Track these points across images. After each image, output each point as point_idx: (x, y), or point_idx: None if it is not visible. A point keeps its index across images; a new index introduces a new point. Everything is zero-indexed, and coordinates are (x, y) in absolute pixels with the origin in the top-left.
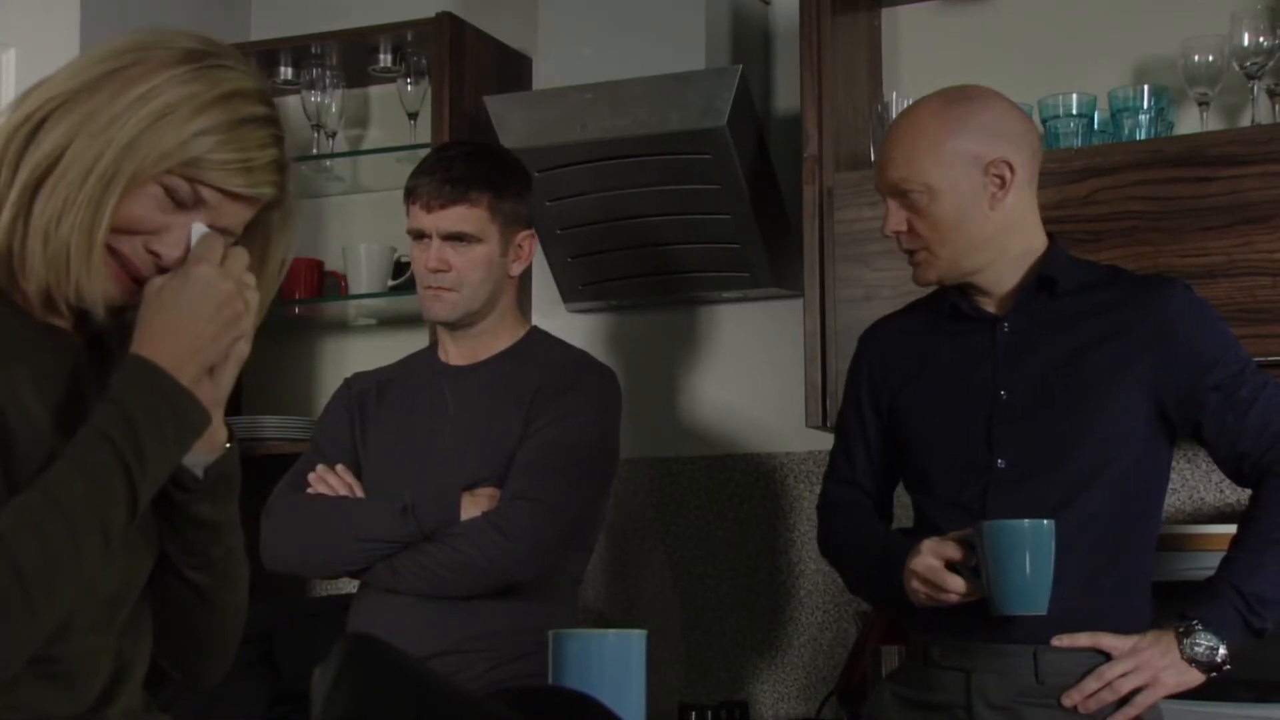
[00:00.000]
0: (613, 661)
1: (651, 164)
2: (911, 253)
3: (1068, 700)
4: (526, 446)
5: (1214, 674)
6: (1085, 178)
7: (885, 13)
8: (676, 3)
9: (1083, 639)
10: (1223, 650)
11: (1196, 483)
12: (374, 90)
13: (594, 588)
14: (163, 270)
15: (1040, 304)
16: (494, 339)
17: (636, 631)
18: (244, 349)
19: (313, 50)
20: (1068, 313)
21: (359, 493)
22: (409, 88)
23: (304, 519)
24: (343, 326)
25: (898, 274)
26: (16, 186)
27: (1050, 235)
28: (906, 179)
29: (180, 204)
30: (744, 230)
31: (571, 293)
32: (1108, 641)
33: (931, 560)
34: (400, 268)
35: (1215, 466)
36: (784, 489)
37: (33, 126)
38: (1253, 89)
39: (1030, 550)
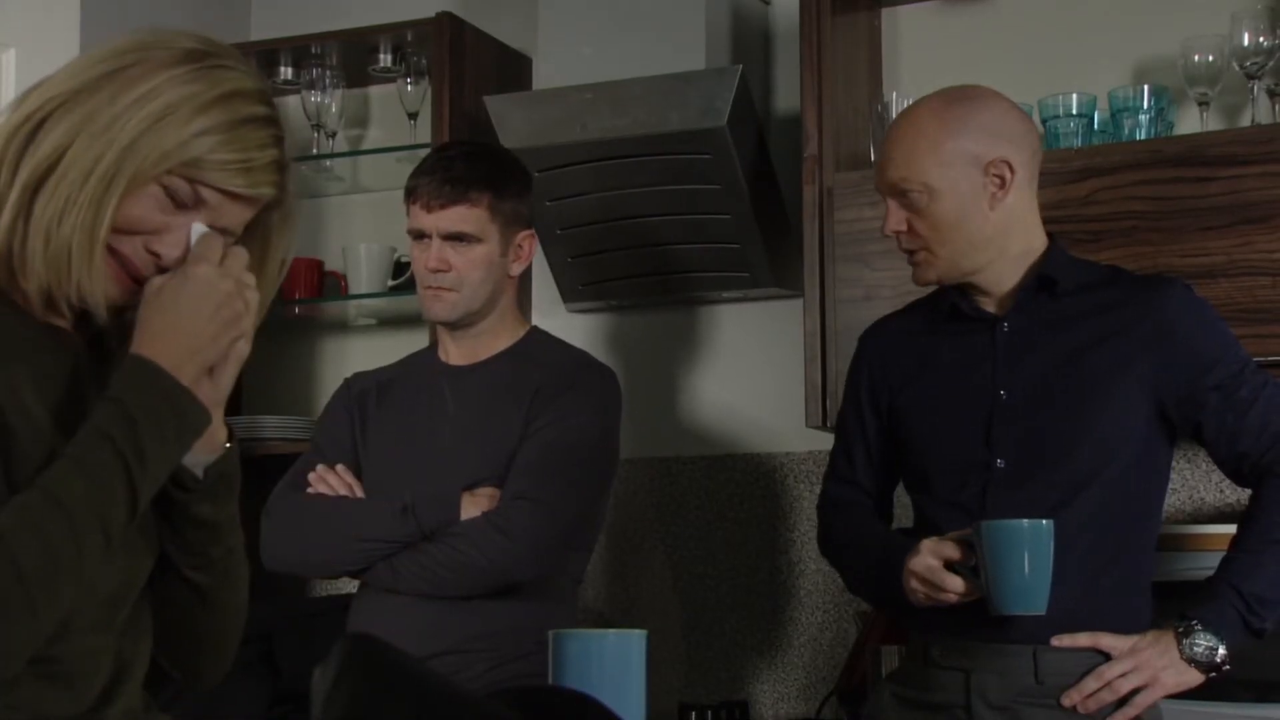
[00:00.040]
0: (613, 661)
1: (651, 164)
2: (911, 253)
3: (1067, 700)
4: (526, 446)
5: (1213, 674)
6: (1085, 178)
7: (885, 13)
8: (676, 3)
9: (1082, 639)
10: (1222, 650)
11: (1196, 483)
12: (374, 90)
13: (594, 588)
14: (163, 270)
15: (1040, 304)
16: (494, 339)
17: (636, 631)
18: (244, 349)
19: (313, 50)
20: (1068, 313)
21: (359, 493)
22: (409, 88)
23: (304, 519)
24: (343, 326)
25: (898, 274)
26: (17, 187)
27: (1050, 235)
28: (906, 179)
29: (180, 204)
30: (744, 230)
31: (571, 293)
32: (1107, 641)
33: (930, 560)
34: (400, 268)
35: (1215, 466)
36: (784, 489)
37: (33, 126)
38: (1253, 89)
39: (1029, 550)
